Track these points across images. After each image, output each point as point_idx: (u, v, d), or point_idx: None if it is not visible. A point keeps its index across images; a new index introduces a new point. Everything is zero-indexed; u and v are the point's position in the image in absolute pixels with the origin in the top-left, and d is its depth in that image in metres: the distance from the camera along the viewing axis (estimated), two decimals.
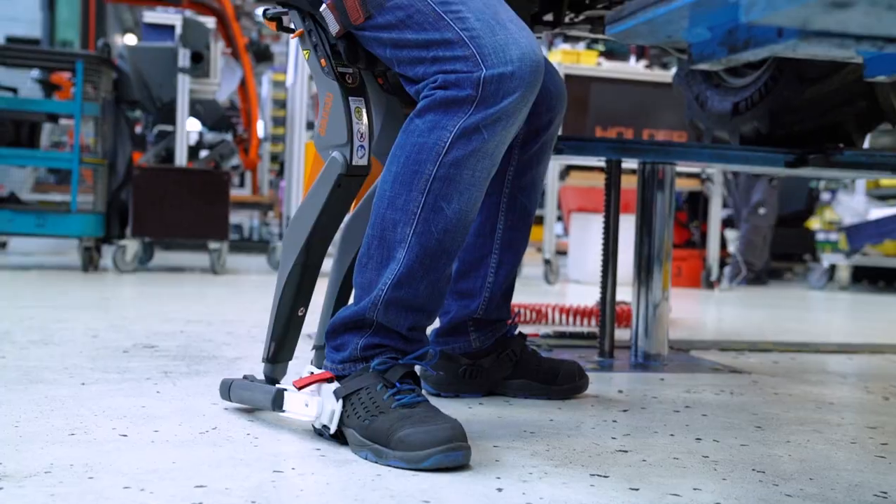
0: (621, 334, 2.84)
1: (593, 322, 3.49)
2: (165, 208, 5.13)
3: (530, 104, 1.41)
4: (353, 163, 1.53)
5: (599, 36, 2.62)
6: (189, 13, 6.24)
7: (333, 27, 1.49)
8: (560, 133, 2.05)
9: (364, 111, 1.56)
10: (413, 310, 1.44)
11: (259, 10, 10.54)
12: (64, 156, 5.16)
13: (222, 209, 5.31)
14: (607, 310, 2.50)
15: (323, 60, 1.54)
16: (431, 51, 1.39)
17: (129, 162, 5.20)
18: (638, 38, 1.03)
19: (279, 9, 1.61)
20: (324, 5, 1.49)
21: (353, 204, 1.67)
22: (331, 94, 1.54)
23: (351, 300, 1.55)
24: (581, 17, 2.52)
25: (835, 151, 2.40)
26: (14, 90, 5.23)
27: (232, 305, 3.80)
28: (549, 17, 2.48)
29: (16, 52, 5.01)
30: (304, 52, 1.59)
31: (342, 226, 1.65)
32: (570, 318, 3.51)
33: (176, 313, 3.28)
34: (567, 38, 2.88)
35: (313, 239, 1.57)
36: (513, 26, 1.39)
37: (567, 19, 2.52)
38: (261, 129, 9.25)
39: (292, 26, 1.62)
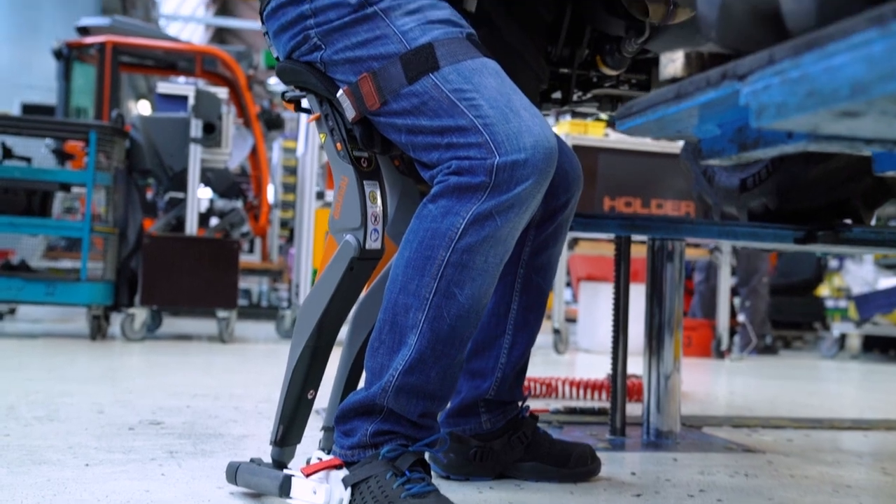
0: (633, 409, 2.80)
1: (604, 396, 3.46)
2: (175, 276, 5.14)
3: (543, 190, 1.42)
4: (367, 246, 1.54)
5: (607, 113, 2.65)
6: (202, 83, 6.33)
7: (350, 112, 1.51)
8: None
9: (378, 195, 1.57)
10: (424, 396, 1.43)
11: (272, 80, 10.72)
12: (75, 225, 5.19)
13: (231, 278, 5.32)
14: (618, 385, 2.47)
15: (339, 144, 1.56)
16: (446, 137, 1.40)
17: (139, 230, 5.23)
18: (647, 134, 1.04)
19: (298, 92, 1.63)
20: (341, 91, 1.51)
21: (367, 284, 1.67)
22: (346, 177, 1.56)
23: (361, 383, 1.54)
24: (589, 96, 2.55)
25: (843, 228, 2.40)
26: (28, 159, 5.30)
27: (239, 377, 3.78)
28: (557, 95, 2.51)
29: (31, 123, 5.08)
30: (321, 135, 1.60)
31: (355, 305, 1.65)
32: (581, 392, 3.47)
33: (183, 386, 3.26)
34: (575, 115, 2.90)
35: (325, 322, 1.57)
36: (526, 113, 1.40)
37: (575, 97, 2.55)
38: (271, 194, 9.32)
39: (305, 105, 1.64)
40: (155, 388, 3.16)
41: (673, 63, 0.90)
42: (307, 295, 1.60)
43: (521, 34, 2.20)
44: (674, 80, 0.90)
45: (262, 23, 1.65)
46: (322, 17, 1.51)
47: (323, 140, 1.60)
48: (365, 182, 1.55)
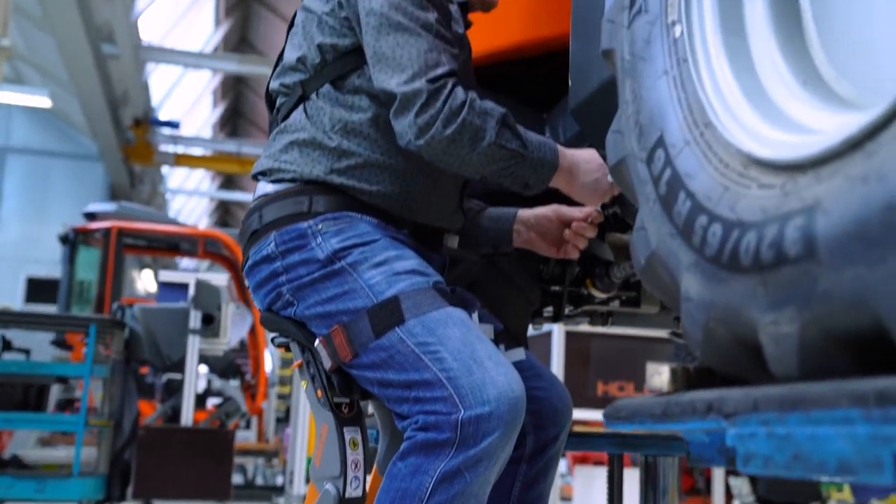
0: None
1: None
2: (169, 468, 5.06)
3: (513, 441, 1.42)
4: (347, 495, 1.52)
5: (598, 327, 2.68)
6: (202, 274, 6.42)
7: (326, 362, 1.53)
8: None
9: (360, 440, 1.57)
10: None
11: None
12: (70, 419, 5.16)
13: (226, 468, 5.23)
14: None
15: (319, 392, 1.57)
16: (413, 391, 1.42)
17: (134, 421, 5.18)
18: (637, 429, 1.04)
19: (284, 339, 1.65)
20: (317, 341, 1.53)
21: None
22: (326, 424, 1.56)
23: None
24: (579, 310, 2.58)
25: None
26: (27, 351, 5.31)
27: None
28: (549, 310, 2.55)
29: (32, 318, 5.13)
30: (303, 381, 1.62)
31: None
32: None
33: None
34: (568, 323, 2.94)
35: None
36: (490, 363, 1.41)
37: (567, 311, 2.58)
38: (268, 367, 9.29)
39: None
40: None
41: (659, 376, 0.92)
42: None
43: (512, 261, 2.25)
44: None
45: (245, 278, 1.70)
46: (293, 274, 1.54)
47: (305, 387, 1.61)
48: (345, 428, 1.55)
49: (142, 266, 17.87)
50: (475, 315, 1.63)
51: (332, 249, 1.52)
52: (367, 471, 1.57)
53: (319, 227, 1.54)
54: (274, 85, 1.69)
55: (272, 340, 1.71)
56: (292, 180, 1.59)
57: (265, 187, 1.63)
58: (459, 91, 1.50)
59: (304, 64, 1.61)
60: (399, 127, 1.50)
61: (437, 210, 1.67)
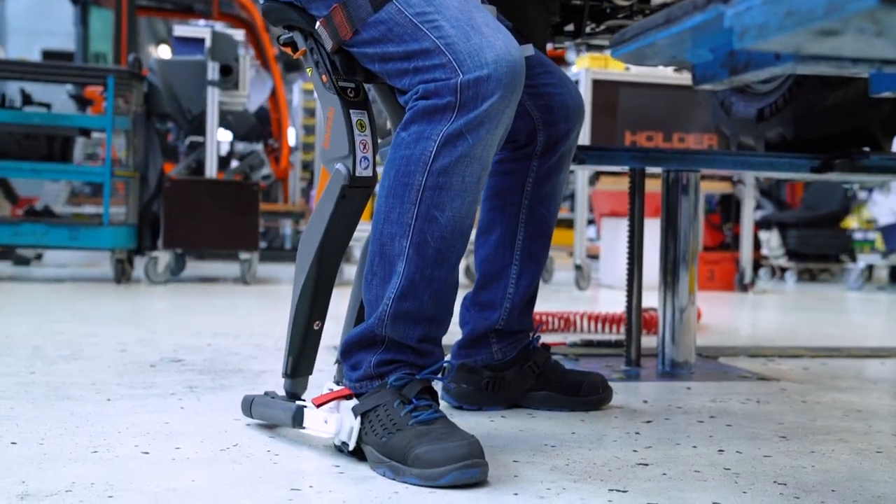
0: (649, 341, 2.82)
1: (622, 329, 3.47)
2: (196, 220, 5.19)
3: (514, 104, 1.42)
4: (357, 174, 1.54)
5: None
6: (219, 26, 6.31)
7: (328, 43, 1.52)
8: (587, 141, 2.04)
9: (367, 123, 1.57)
10: (420, 321, 1.45)
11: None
12: (96, 170, 5.24)
13: (252, 220, 5.36)
14: (633, 318, 2.48)
15: (324, 76, 1.56)
16: (413, 62, 1.42)
17: (160, 174, 5.26)
18: (643, 60, 1.03)
19: (288, 33, 1.63)
20: (318, 23, 1.52)
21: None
22: (332, 108, 1.56)
23: None
24: (602, 28, 2.52)
25: (861, 156, 2.37)
26: (48, 105, 5.32)
27: (260, 317, 3.83)
28: (570, 28, 2.49)
29: (49, 69, 5.10)
30: (308, 69, 1.61)
31: (366, 239, 1.66)
32: (598, 326, 3.49)
33: (204, 326, 3.32)
34: (590, 48, 2.87)
35: (324, 252, 1.57)
36: (488, 29, 1.41)
37: (588, 29, 2.52)
38: (292, 137, 9.32)
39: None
40: (177, 329, 3.22)
41: None
42: (305, 227, 1.61)
43: None
44: (665, 5, 0.89)
45: None
46: None
47: (310, 73, 1.61)
48: (352, 111, 1.55)
49: (158, 41, 17.58)
50: None
51: None
52: (375, 153, 1.59)
53: None
54: None
55: (277, 39, 1.68)
56: None
57: None
58: None
59: None
60: None
61: None
